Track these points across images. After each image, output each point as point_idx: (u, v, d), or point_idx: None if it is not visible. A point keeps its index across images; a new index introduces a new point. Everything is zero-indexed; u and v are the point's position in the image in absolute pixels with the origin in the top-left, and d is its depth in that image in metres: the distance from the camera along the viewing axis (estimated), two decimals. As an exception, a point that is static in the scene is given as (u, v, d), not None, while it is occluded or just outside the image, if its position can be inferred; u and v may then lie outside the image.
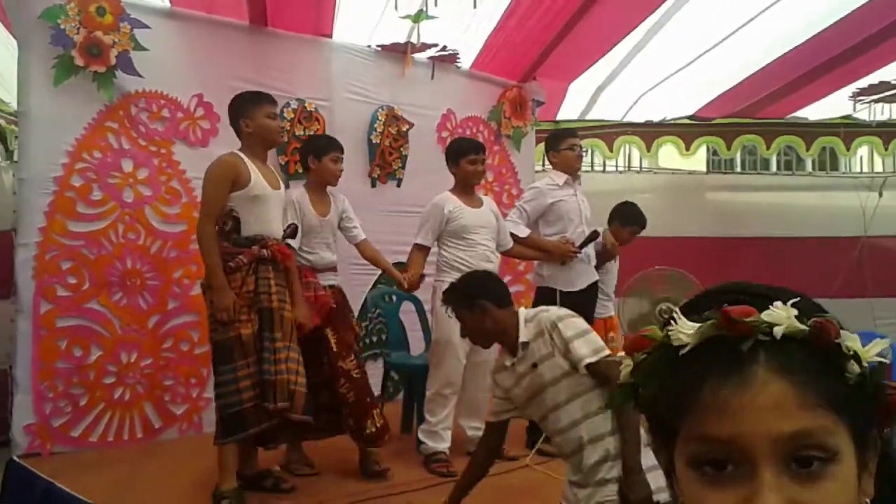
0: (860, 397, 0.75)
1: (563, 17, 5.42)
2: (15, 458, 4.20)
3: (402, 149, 5.88)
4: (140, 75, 4.56)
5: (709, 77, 6.59)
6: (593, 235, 4.74)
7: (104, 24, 4.39)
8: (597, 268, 4.88)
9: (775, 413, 0.72)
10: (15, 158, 5.41)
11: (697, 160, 7.72)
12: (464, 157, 4.46)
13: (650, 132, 7.26)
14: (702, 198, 7.57)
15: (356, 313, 5.62)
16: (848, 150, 7.31)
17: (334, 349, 3.99)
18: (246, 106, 3.74)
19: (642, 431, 2.60)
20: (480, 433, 3.51)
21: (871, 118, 7.09)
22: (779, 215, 7.33)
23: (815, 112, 7.22)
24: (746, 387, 0.73)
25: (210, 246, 3.53)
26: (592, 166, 7.74)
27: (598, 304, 5.02)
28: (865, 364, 0.75)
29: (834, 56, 5.85)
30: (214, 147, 4.55)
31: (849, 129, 7.21)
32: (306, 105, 5.34)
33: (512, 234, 4.62)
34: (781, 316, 0.74)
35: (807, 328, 0.74)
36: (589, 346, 2.74)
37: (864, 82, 6.41)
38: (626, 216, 5.40)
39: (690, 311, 0.81)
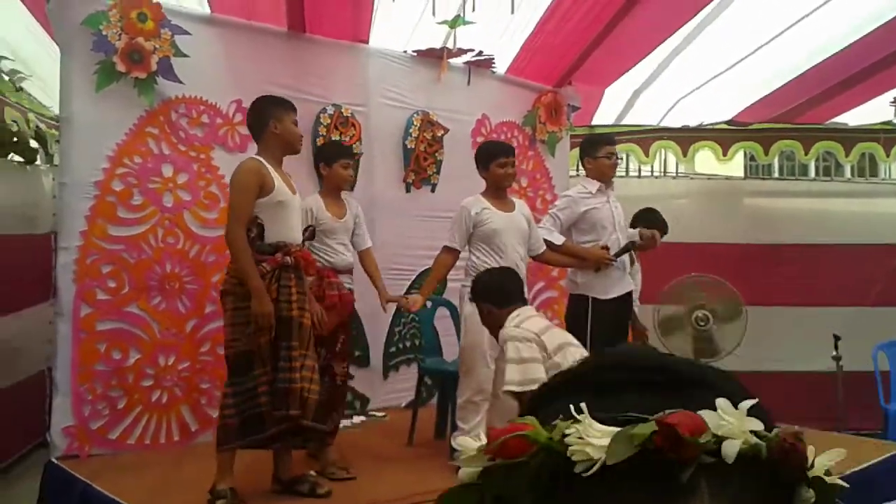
0: None
1: (601, 22, 5.38)
2: (53, 459, 4.25)
3: (436, 154, 5.88)
4: (180, 81, 4.59)
5: (747, 82, 6.53)
6: (629, 246, 4.70)
7: (145, 30, 4.43)
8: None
9: None
10: (55, 162, 5.49)
11: (735, 165, 7.65)
12: (494, 160, 4.44)
13: (687, 137, 7.18)
14: (739, 203, 7.47)
15: (390, 318, 5.70)
16: (888, 156, 7.17)
17: (337, 350, 4.21)
18: (276, 108, 3.77)
19: None
20: None
21: (912, 124, 6.98)
22: (817, 222, 7.21)
23: (854, 118, 7.12)
24: None
25: (245, 252, 3.54)
26: (628, 171, 7.68)
27: None
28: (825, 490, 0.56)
29: (874, 62, 5.78)
30: (253, 152, 4.56)
31: (889, 136, 7.08)
32: (343, 111, 5.36)
33: (547, 242, 4.60)
34: (735, 429, 0.53)
35: (765, 445, 0.53)
36: (520, 374, 2.86)
37: (905, 88, 6.34)
38: (649, 222, 5.33)
39: (559, 393, 0.58)
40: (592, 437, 0.52)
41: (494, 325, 3.51)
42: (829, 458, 0.56)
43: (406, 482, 4.03)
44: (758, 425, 0.53)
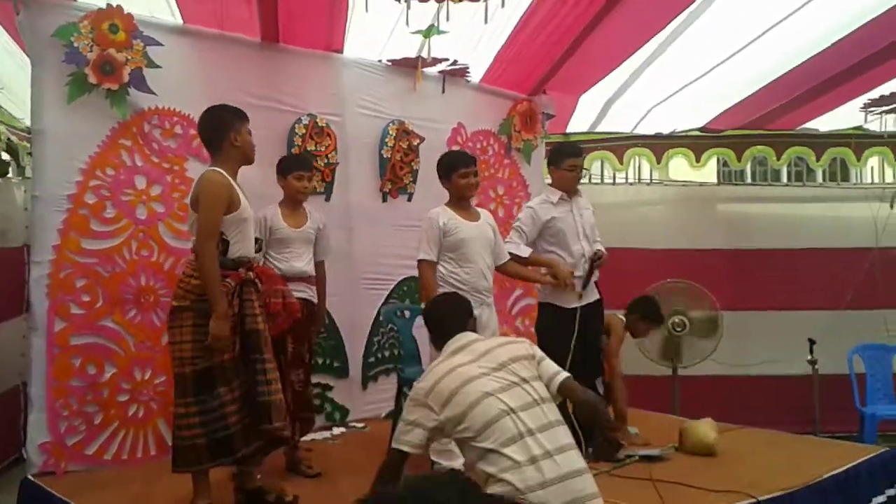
0: None
1: (574, 31, 5.41)
2: (30, 476, 4.20)
3: (412, 163, 5.88)
4: (153, 92, 4.56)
5: (719, 89, 6.58)
6: (594, 266, 4.69)
7: (117, 41, 4.39)
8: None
9: None
10: (27, 174, 5.42)
11: (708, 172, 7.70)
12: (455, 171, 4.44)
13: (660, 144, 7.24)
14: (713, 209, 7.54)
15: (369, 327, 5.68)
16: (858, 160, 7.28)
17: (288, 358, 4.19)
18: (234, 120, 3.69)
19: None
20: None
21: (882, 129, 7.07)
22: (790, 227, 7.30)
23: (825, 123, 7.21)
24: None
25: (216, 272, 3.47)
26: (602, 178, 7.73)
27: None
28: None
29: (845, 68, 5.85)
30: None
31: (859, 140, 7.18)
32: (318, 120, 5.35)
33: (514, 256, 4.61)
34: None
35: None
36: (400, 433, 2.93)
37: (874, 93, 6.41)
38: (651, 313, 5.35)
39: None
40: None
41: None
42: None
43: (386, 493, 4.01)
44: None
